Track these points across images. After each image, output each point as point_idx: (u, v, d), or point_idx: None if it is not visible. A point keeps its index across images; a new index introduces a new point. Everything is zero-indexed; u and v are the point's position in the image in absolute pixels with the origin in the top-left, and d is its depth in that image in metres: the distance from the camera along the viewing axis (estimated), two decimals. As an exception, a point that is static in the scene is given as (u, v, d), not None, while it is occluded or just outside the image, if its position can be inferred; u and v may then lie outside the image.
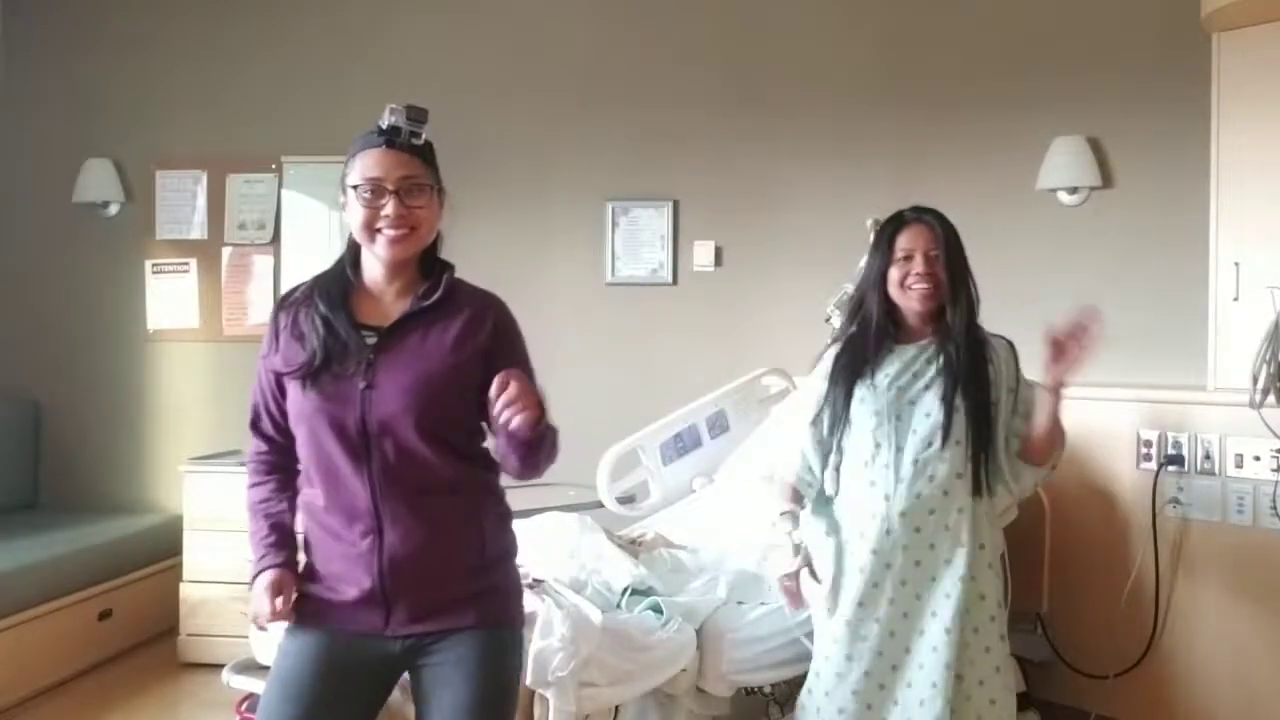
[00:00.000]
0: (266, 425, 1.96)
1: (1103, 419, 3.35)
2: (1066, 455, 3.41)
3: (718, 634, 2.55)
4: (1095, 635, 3.29)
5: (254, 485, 1.97)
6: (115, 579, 4.07)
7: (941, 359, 2.35)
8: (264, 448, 1.97)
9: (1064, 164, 3.86)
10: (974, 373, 2.34)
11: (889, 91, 4.13)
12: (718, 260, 4.29)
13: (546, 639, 2.27)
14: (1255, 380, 2.99)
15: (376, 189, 1.83)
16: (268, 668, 2.51)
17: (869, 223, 4.05)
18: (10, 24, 4.71)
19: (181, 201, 4.63)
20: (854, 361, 2.39)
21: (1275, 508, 3.00)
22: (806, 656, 2.68)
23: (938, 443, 2.30)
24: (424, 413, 1.82)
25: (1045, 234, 3.91)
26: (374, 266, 1.90)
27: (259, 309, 4.56)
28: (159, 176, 4.64)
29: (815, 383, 2.48)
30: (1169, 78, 3.76)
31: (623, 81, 4.34)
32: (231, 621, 3.81)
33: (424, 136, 1.87)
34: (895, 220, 2.43)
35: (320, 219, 4.55)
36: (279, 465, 1.97)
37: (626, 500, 3.41)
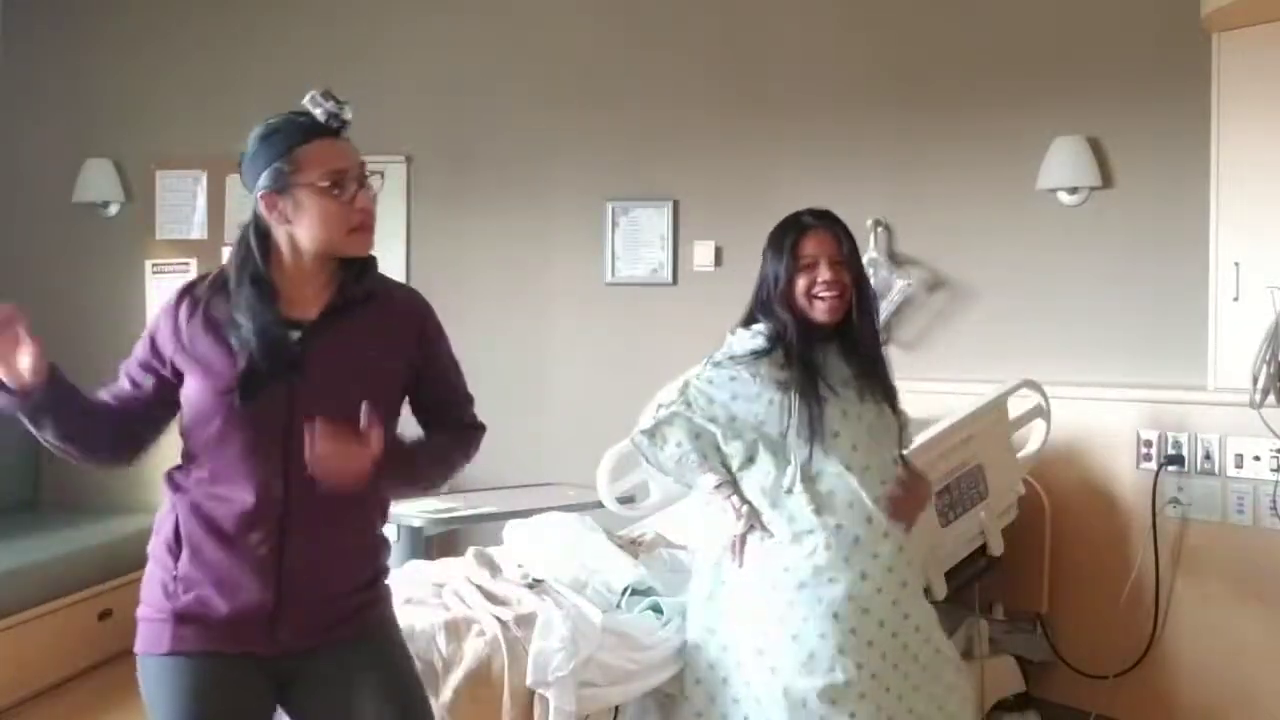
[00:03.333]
0: (110, 398, 1.85)
1: (1103, 419, 3.36)
2: (1066, 455, 3.44)
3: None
4: (1095, 635, 3.29)
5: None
6: (115, 579, 4.05)
7: (866, 361, 2.36)
8: (107, 400, 1.86)
9: (1064, 164, 3.85)
10: (889, 379, 2.41)
11: (889, 91, 4.13)
12: (718, 260, 4.29)
13: (546, 639, 2.27)
14: (1255, 380, 2.99)
15: (346, 182, 1.75)
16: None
17: (869, 222, 4.07)
18: (10, 24, 4.71)
19: (182, 201, 4.63)
20: (807, 369, 2.30)
21: (1275, 508, 3.00)
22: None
23: (887, 441, 2.35)
24: (354, 408, 1.67)
25: (1045, 234, 3.91)
26: (297, 260, 1.78)
27: (259, 309, 4.55)
28: (159, 176, 4.64)
29: (740, 372, 2.35)
30: (1169, 78, 3.76)
31: (623, 81, 4.34)
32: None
33: None
34: (795, 226, 2.36)
35: (320, 219, 4.55)
36: (103, 400, 1.86)
37: (626, 500, 3.40)
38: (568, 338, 4.27)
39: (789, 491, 2.31)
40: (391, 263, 4.47)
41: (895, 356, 4.00)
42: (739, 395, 2.34)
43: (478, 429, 1.99)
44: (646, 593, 2.63)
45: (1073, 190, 3.90)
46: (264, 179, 1.76)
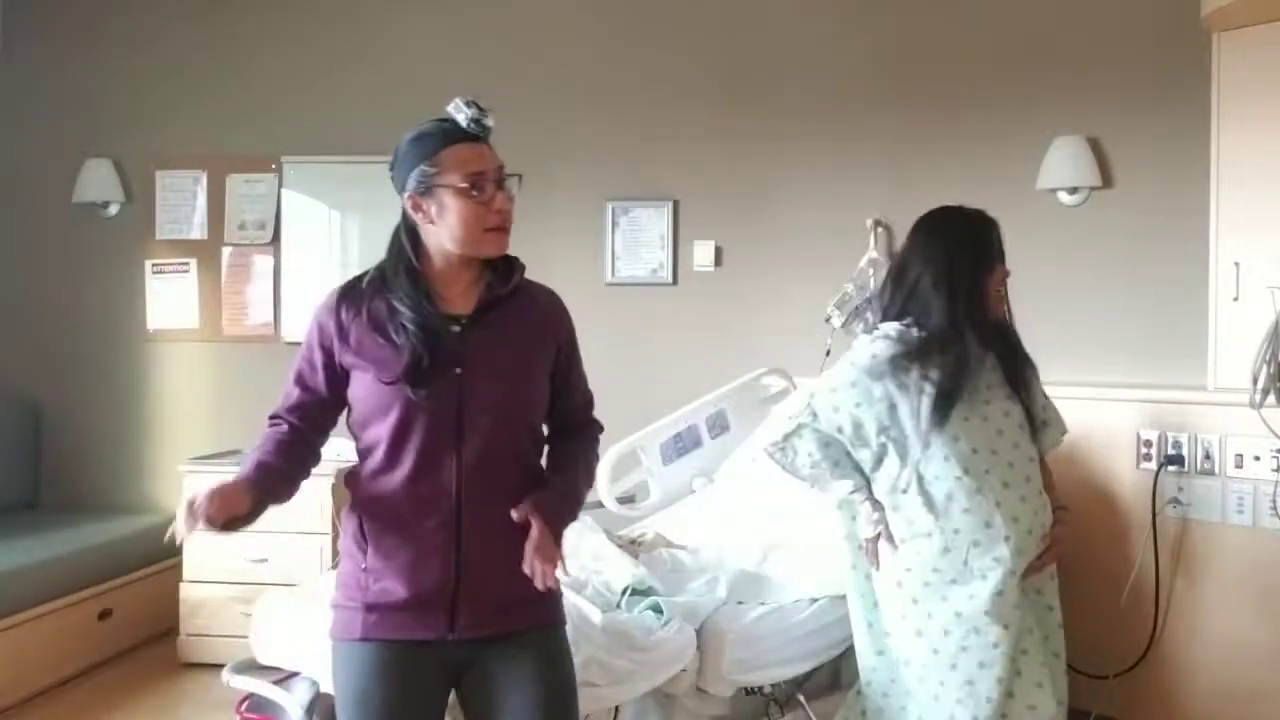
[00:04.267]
0: (290, 412, 1.91)
1: (1103, 419, 3.35)
2: (1066, 455, 3.42)
3: (718, 634, 2.54)
4: (1095, 635, 3.28)
5: (261, 438, 1.91)
6: (115, 579, 4.07)
7: (995, 360, 2.38)
8: (272, 432, 1.91)
9: (1064, 164, 3.86)
10: (1024, 363, 2.43)
11: (889, 91, 4.13)
12: (718, 260, 4.29)
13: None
14: (1255, 380, 2.99)
15: (484, 184, 1.83)
16: (267, 668, 2.53)
17: (869, 222, 4.07)
18: (10, 24, 4.71)
19: (181, 201, 4.63)
20: (957, 379, 2.30)
21: (1275, 508, 2.99)
22: (807, 656, 2.69)
23: (1023, 443, 2.37)
24: (515, 397, 1.87)
25: (1045, 234, 3.91)
26: (447, 259, 1.88)
27: (259, 309, 4.56)
28: (159, 176, 4.63)
29: (860, 378, 2.37)
30: (1169, 78, 3.76)
31: (623, 81, 4.34)
32: (232, 622, 3.82)
33: None
34: (994, 226, 2.43)
35: (320, 219, 4.55)
36: (294, 438, 1.91)
37: (626, 500, 3.41)
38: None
39: (904, 491, 2.34)
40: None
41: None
42: (861, 402, 2.36)
43: (599, 429, 2.14)
44: (647, 593, 2.63)
45: (1073, 190, 3.90)
46: (411, 181, 1.84)
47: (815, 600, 2.77)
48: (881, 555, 2.41)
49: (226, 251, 4.60)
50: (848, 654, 2.87)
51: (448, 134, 1.85)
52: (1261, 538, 3.05)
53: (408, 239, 1.88)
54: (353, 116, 4.50)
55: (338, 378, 1.89)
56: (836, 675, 2.92)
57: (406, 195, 1.86)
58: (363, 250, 4.49)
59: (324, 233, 4.55)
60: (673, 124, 4.31)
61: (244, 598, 3.72)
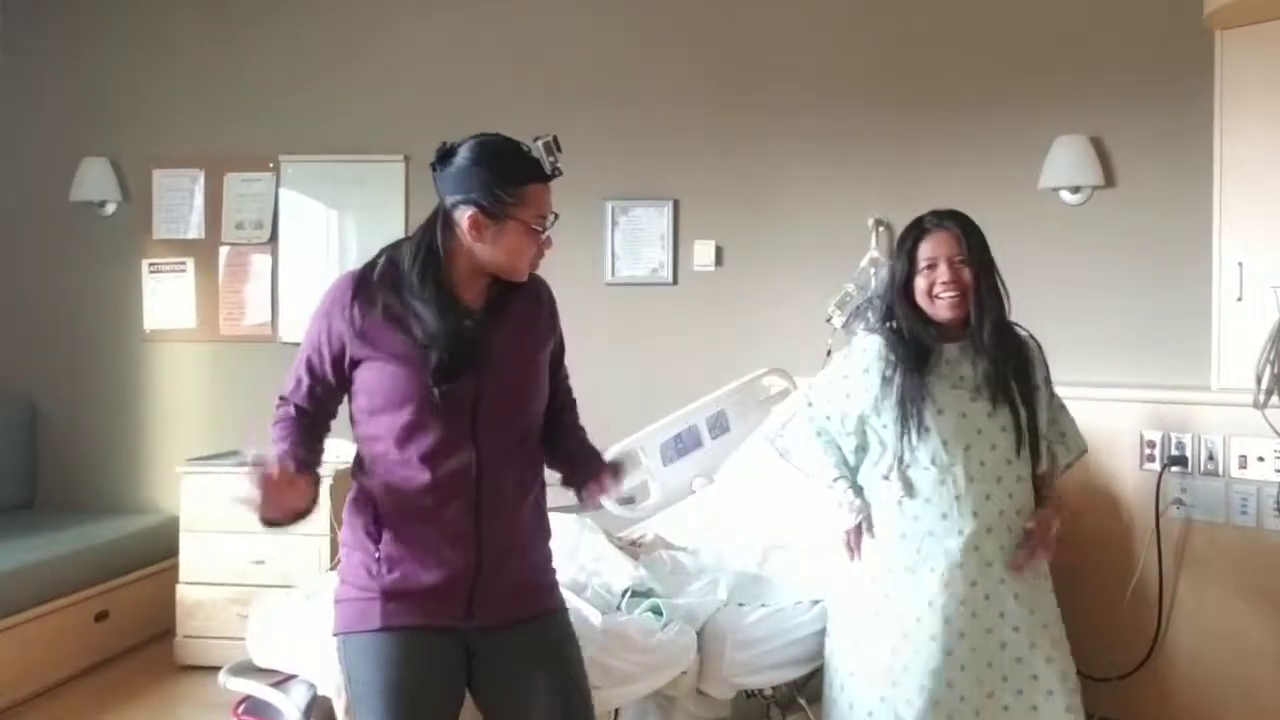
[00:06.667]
0: (303, 399, 1.96)
1: (1106, 419, 3.33)
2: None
3: (718, 636, 2.53)
4: (1098, 637, 3.26)
5: (279, 422, 1.96)
6: (112, 580, 4.05)
7: (984, 362, 2.37)
8: (291, 413, 1.97)
9: (1066, 163, 3.85)
10: (1017, 373, 2.40)
11: (889, 91, 4.12)
12: (718, 260, 4.28)
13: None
14: (1259, 380, 2.97)
15: (545, 224, 1.92)
16: (264, 670, 2.51)
17: (869, 222, 4.06)
18: (8, 23, 4.70)
19: (179, 201, 4.61)
20: (915, 367, 2.36)
21: (1279, 508, 2.98)
22: (807, 658, 2.68)
23: (1002, 446, 2.36)
24: (527, 387, 1.97)
25: (1047, 234, 3.90)
26: (472, 268, 1.93)
27: (256, 308, 4.54)
28: (156, 176, 4.62)
29: (851, 371, 2.47)
30: (1171, 76, 3.75)
31: (623, 81, 4.33)
32: (228, 623, 3.80)
33: None
34: (916, 228, 2.43)
35: (318, 218, 4.54)
36: (309, 424, 1.98)
37: (626, 501, 3.39)
38: (567, 337, 4.24)
39: (886, 478, 2.40)
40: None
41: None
42: (851, 394, 2.45)
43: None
44: (647, 594, 2.61)
45: (1075, 190, 3.89)
46: (479, 197, 1.87)
47: (816, 602, 2.75)
48: (862, 547, 2.46)
49: (224, 251, 4.58)
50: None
51: (529, 170, 1.89)
52: (1265, 539, 3.03)
53: (443, 241, 1.91)
54: (350, 116, 4.49)
55: (348, 367, 1.92)
56: (838, 677, 2.91)
57: (468, 209, 1.87)
58: (360, 249, 4.48)
59: (321, 232, 4.54)
60: (673, 124, 4.29)
61: (241, 599, 3.71)
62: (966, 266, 2.37)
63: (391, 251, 1.95)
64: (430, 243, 1.91)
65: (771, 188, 4.24)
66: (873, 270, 3.97)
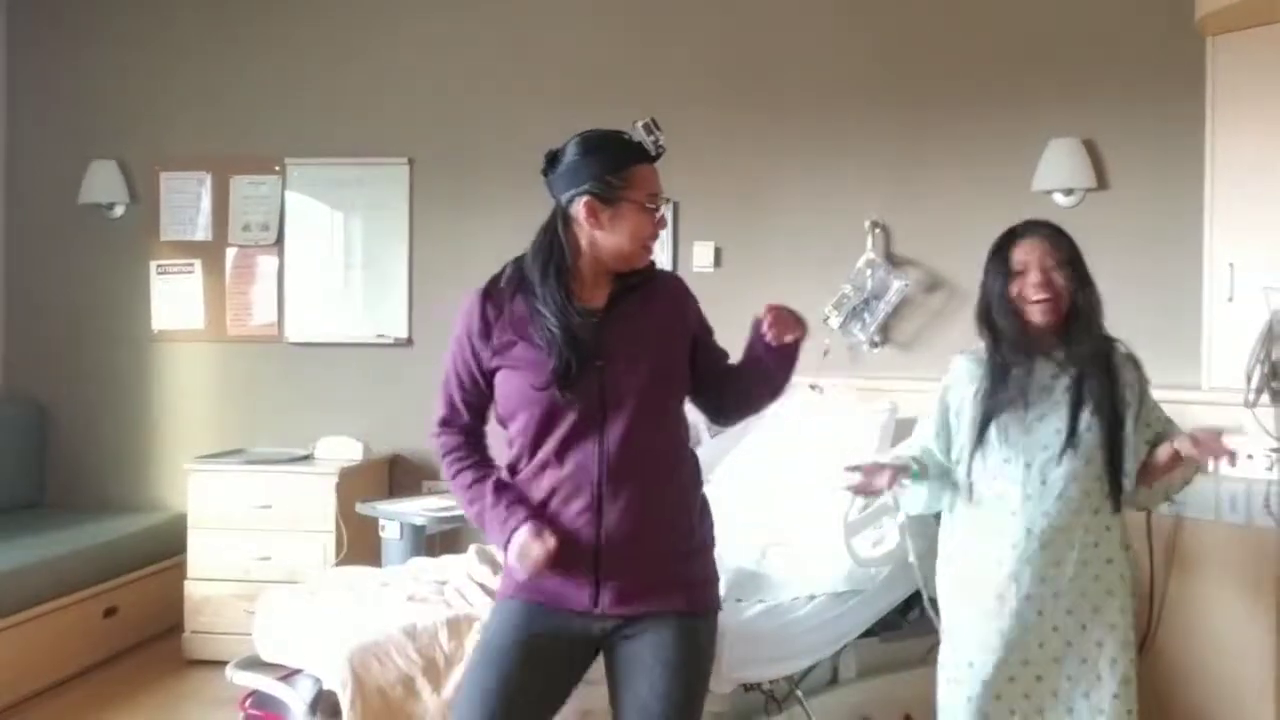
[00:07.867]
0: (463, 418, 2.04)
1: (1098, 418, 3.37)
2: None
3: (717, 631, 2.56)
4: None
5: (460, 471, 2.03)
6: (120, 577, 4.10)
7: (1071, 373, 2.35)
8: (459, 440, 2.04)
9: (1059, 166, 3.88)
10: (1105, 388, 2.36)
11: (888, 92, 4.16)
12: (717, 260, 4.32)
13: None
14: (1249, 380, 3.01)
15: (657, 203, 1.98)
16: (271, 665, 2.56)
17: (867, 223, 4.10)
18: (15, 25, 4.74)
19: (186, 203, 4.66)
20: (997, 390, 2.35)
21: (1269, 507, 3.02)
22: (805, 653, 2.71)
23: (1069, 460, 2.31)
24: (654, 382, 1.96)
25: (1042, 235, 3.93)
26: (594, 263, 1.98)
27: (263, 310, 4.59)
28: (163, 178, 4.66)
29: (944, 387, 2.49)
30: (1164, 80, 3.78)
31: (623, 81, 4.36)
32: (236, 619, 3.85)
33: None
34: (1008, 235, 2.44)
35: (324, 220, 4.58)
36: (477, 450, 2.06)
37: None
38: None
39: (969, 497, 2.40)
40: (394, 264, 4.50)
41: (891, 357, 4.06)
42: (949, 406, 2.47)
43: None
44: (646, 590, 2.64)
45: (1068, 192, 3.92)
46: (591, 186, 1.95)
47: (814, 597, 2.80)
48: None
49: (231, 252, 4.63)
50: (846, 651, 2.91)
51: (637, 153, 1.98)
52: (1255, 536, 3.06)
53: (565, 238, 1.98)
54: (355, 119, 4.53)
55: (489, 378, 2.00)
56: (835, 672, 2.95)
57: (582, 199, 1.95)
58: (366, 251, 4.52)
59: (327, 234, 4.58)
60: (673, 124, 4.25)
61: (248, 595, 3.74)
62: (1058, 271, 2.36)
63: (516, 260, 2.03)
64: (552, 241, 1.99)
65: (771, 188, 4.27)
66: (869, 272, 4.02)
